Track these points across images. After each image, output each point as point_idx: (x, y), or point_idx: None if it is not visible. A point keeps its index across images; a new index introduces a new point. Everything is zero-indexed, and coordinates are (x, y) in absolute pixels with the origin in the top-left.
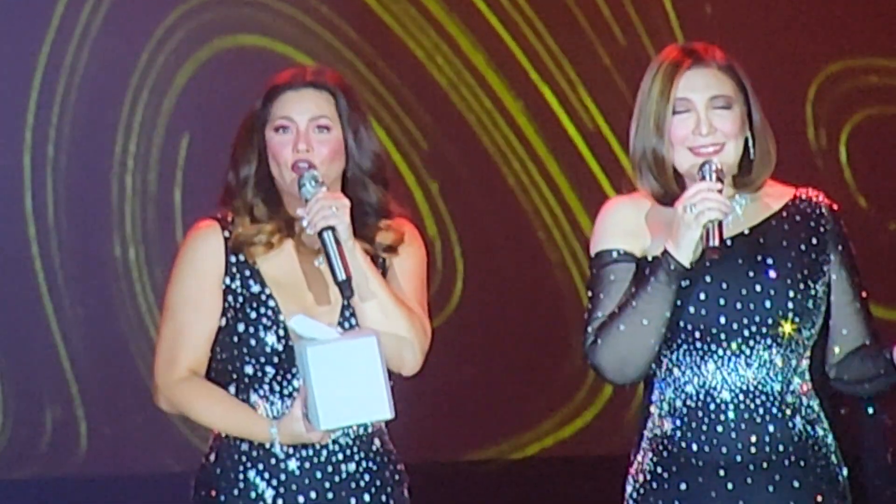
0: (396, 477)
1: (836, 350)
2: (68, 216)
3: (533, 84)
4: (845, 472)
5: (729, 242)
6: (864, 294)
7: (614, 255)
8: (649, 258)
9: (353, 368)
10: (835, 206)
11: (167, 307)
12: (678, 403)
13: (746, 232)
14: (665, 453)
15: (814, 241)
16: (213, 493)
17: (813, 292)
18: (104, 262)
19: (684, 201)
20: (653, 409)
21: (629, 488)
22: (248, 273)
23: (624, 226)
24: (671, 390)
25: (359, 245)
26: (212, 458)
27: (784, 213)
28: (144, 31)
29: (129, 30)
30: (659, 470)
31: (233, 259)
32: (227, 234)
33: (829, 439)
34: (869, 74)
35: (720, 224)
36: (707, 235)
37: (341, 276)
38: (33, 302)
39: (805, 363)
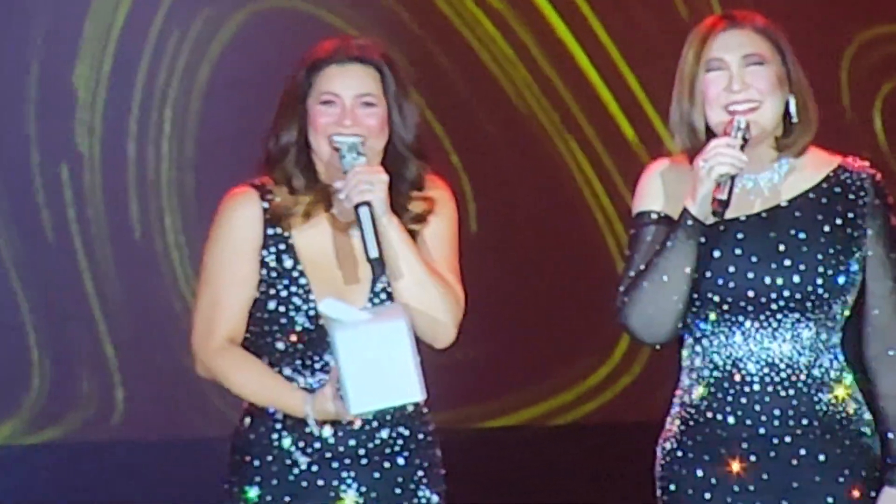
0: (429, 439)
1: (868, 330)
2: (106, 184)
3: (570, 53)
4: (878, 445)
5: (764, 214)
6: None
7: (653, 216)
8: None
9: (382, 351)
10: (879, 178)
11: (204, 275)
12: (706, 373)
13: (784, 204)
14: (692, 422)
15: (850, 214)
16: (248, 458)
17: (844, 268)
18: (145, 227)
19: (702, 156)
20: (683, 376)
21: (658, 454)
22: (282, 247)
23: (663, 188)
24: (700, 359)
25: (395, 218)
26: (246, 422)
27: (824, 185)
28: None
29: None
30: (685, 438)
31: (269, 231)
32: (265, 204)
33: (862, 413)
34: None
35: (732, 179)
36: (718, 189)
37: (373, 253)
38: (70, 268)
39: (837, 338)
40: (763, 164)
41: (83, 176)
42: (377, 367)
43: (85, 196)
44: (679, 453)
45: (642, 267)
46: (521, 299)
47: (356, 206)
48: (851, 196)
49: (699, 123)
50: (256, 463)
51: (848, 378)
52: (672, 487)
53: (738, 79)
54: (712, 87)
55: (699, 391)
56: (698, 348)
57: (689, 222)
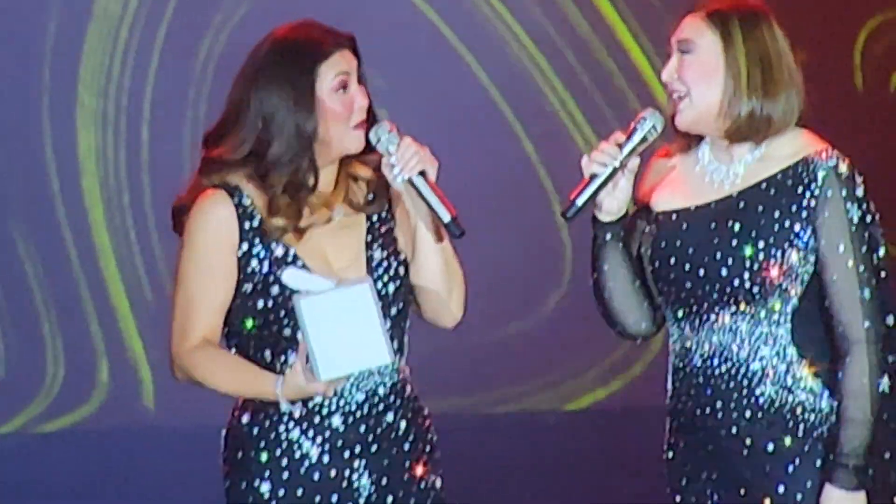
0: (427, 423)
1: (826, 322)
2: (130, 171)
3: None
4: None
5: (714, 205)
6: (853, 264)
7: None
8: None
9: (348, 316)
10: (842, 170)
11: (179, 279)
12: (673, 359)
13: (734, 195)
14: (670, 409)
15: (793, 208)
16: (253, 453)
17: (778, 262)
18: (161, 213)
19: None
20: None
21: None
22: (266, 238)
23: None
24: (671, 347)
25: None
26: (245, 418)
27: (779, 177)
28: None
29: None
30: (669, 424)
31: (247, 225)
32: (236, 200)
33: (816, 402)
34: None
35: (604, 181)
36: (579, 187)
37: (447, 216)
38: (86, 254)
39: (784, 329)
40: (727, 154)
41: (101, 166)
42: (344, 332)
43: (102, 184)
44: (669, 439)
45: None
46: (535, 284)
47: (409, 179)
48: (800, 189)
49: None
50: (264, 457)
51: (799, 368)
52: (666, 471)
53: (667, 67)
54: None
55: (670, 379)
56: (670, 338)
57: (593, 220)
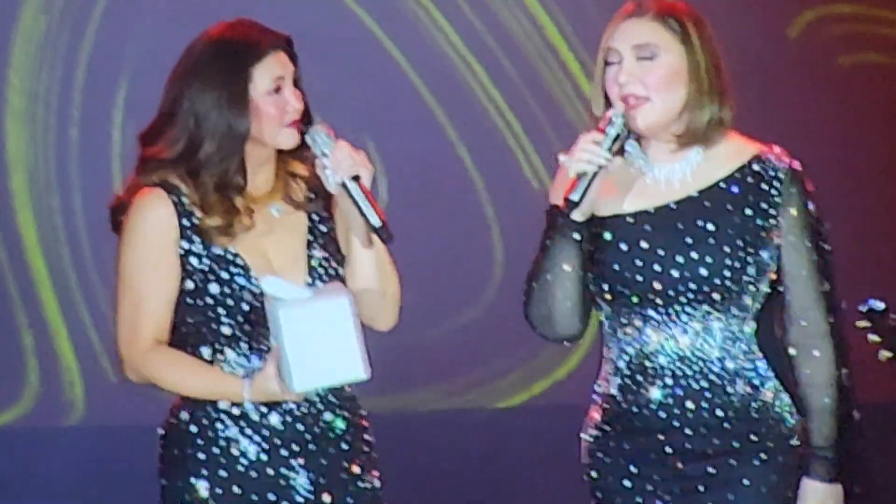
0: (365, 423)
1: (786, 317)
2: (59, 171)
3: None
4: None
5: (674, 206)
6: (816, 258)
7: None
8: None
9: (326, 329)
10: (796, 166)
11: (122, 278)
12: (621, 364)
13: (695, 195)
14: (611, 412)
15: (762, 205)
16: (190, 451)
17: (754, 259)
18: (98, 212)
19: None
20: (603, 364)
21: (583, 441)
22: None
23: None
24: (616, 350)
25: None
26: (184, 416)
27: (737, 175)
28: None
29: None
30: (606, 427)
31: (186, 222)
32: (174, 198)
33: (780, 399)
34: (850, 22)
35: (592, 177)
36: (572, 187)
37: (377, 221)
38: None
39: (749, 328)
40: (671, 156)
41: (29, 166)
42: (321, 344)
43: (31, 185)
44: (600, 442)
45: (532, 266)
46: (466, 283)
47: (342, 182)
48: (764, 186)
49: (598, 113)
50: (202, 456)
51: (763, 365)
52: (594, 474)
53: (625, 71)
54: (610, 80)
55: (616, 382)
56: (613, 341)
57: (559, 220)
